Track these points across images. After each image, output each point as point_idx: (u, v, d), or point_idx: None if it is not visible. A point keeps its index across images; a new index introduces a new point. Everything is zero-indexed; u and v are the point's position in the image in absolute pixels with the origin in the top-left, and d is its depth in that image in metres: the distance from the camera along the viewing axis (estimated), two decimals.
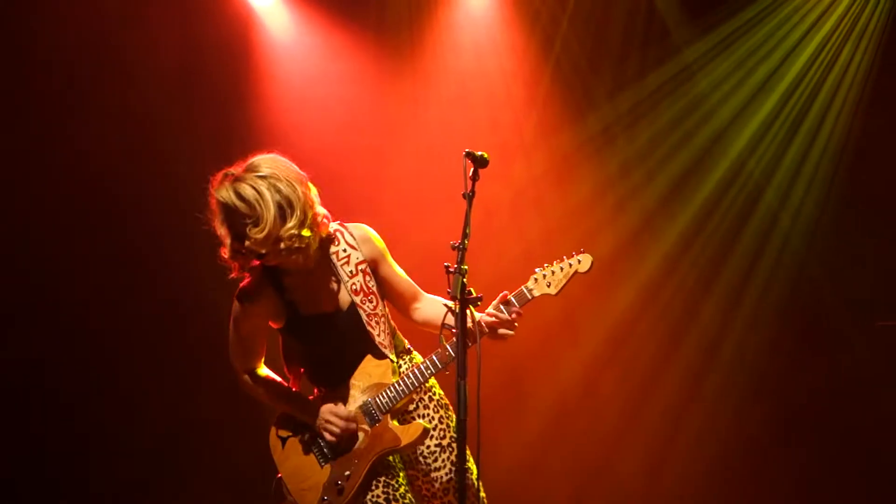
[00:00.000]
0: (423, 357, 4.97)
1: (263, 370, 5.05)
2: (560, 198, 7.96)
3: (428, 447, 4.99)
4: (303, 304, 4.87)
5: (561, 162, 8.04)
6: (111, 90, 7.66)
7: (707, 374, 7.94)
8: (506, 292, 4.81)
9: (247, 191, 4.58)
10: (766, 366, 7.86)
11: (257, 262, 4.77)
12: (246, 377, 5.01)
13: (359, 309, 4.90)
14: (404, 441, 4.82)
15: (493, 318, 4.76)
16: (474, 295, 4.54)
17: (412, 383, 4.85)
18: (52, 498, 7.54)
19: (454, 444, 4.94)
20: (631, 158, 8.08)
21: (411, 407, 4.98)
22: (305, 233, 4.66)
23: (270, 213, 4.56)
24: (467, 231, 4.71)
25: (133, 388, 7.70)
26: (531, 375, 7.91)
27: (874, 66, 7.83)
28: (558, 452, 7.86)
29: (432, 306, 5.02)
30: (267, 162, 4.67)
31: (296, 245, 4.63)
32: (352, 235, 4.97)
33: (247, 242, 4.59)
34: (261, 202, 4.57)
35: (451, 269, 4.51)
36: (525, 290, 4.77)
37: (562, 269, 4.75)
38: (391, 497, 4.86)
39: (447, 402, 5.06)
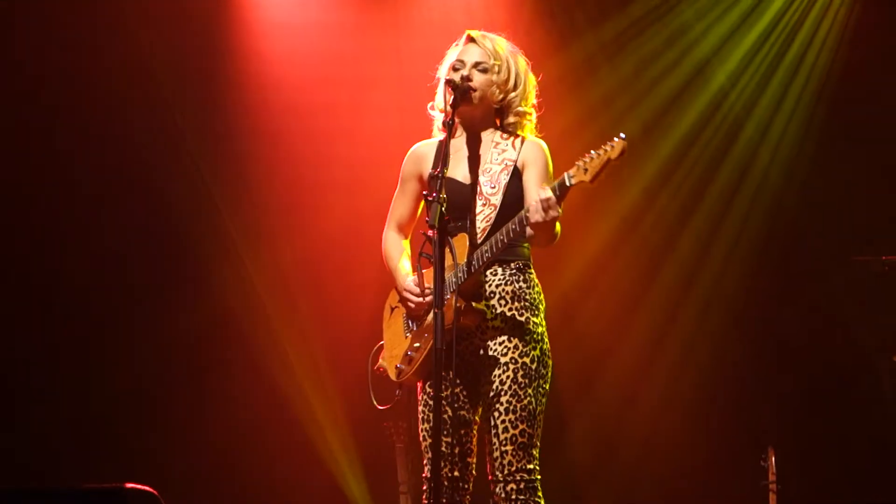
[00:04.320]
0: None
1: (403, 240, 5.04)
2: (542, 128, 7.92)
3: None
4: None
5: (543, 92, 7.98)
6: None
7: (685, 305, 7.98)
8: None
9: None
10: (745, 298, 7.90)
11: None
12: (390, 233, 5.02)
13: (478, 186, 4.81)
14: (453, 318, 4.54)
15: (533, 203, 4.53)
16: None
17: (476, 264, 4.66)
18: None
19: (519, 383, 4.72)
20: (614, 88, 8.04)
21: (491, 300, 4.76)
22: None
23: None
24: (447, 160, 4.69)
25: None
26: None
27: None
28: None
29: None
30: None
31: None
32: (521, 141, 4.97)
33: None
34: None
35: (430, 198, 4.45)
36: (566, 177, 4.56)
37: (598, 154, 4.57)
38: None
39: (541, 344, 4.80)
